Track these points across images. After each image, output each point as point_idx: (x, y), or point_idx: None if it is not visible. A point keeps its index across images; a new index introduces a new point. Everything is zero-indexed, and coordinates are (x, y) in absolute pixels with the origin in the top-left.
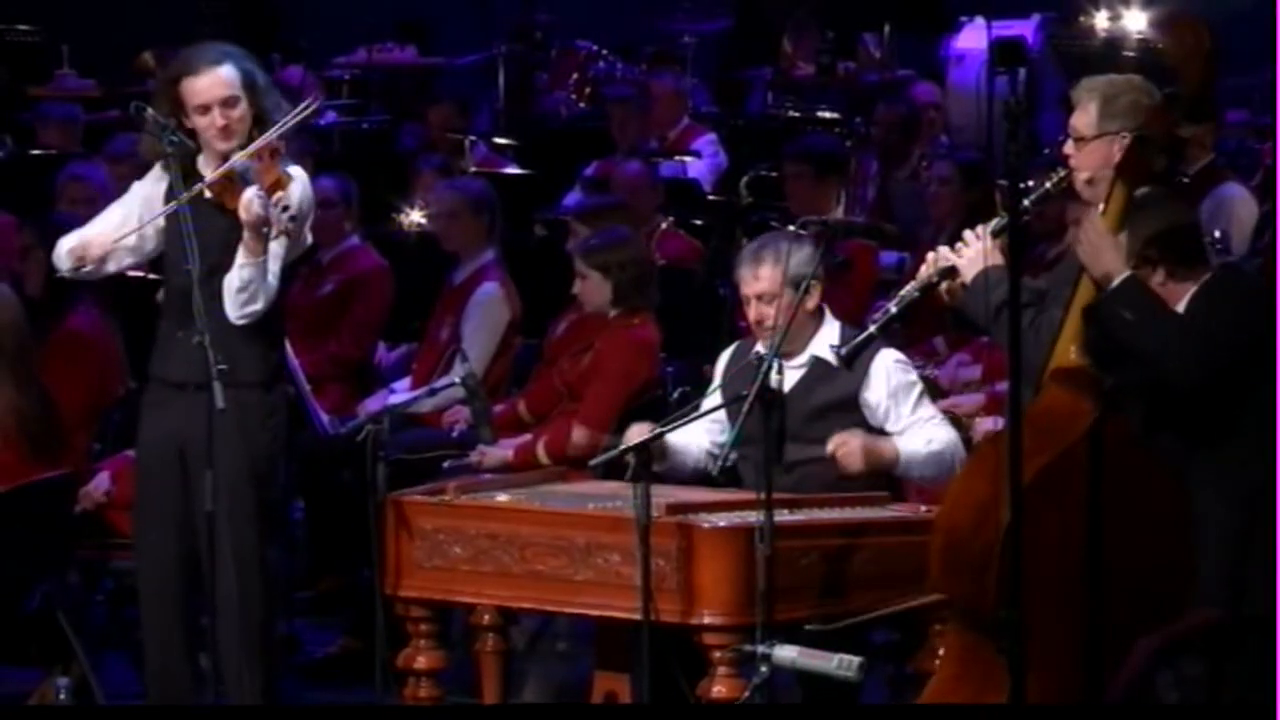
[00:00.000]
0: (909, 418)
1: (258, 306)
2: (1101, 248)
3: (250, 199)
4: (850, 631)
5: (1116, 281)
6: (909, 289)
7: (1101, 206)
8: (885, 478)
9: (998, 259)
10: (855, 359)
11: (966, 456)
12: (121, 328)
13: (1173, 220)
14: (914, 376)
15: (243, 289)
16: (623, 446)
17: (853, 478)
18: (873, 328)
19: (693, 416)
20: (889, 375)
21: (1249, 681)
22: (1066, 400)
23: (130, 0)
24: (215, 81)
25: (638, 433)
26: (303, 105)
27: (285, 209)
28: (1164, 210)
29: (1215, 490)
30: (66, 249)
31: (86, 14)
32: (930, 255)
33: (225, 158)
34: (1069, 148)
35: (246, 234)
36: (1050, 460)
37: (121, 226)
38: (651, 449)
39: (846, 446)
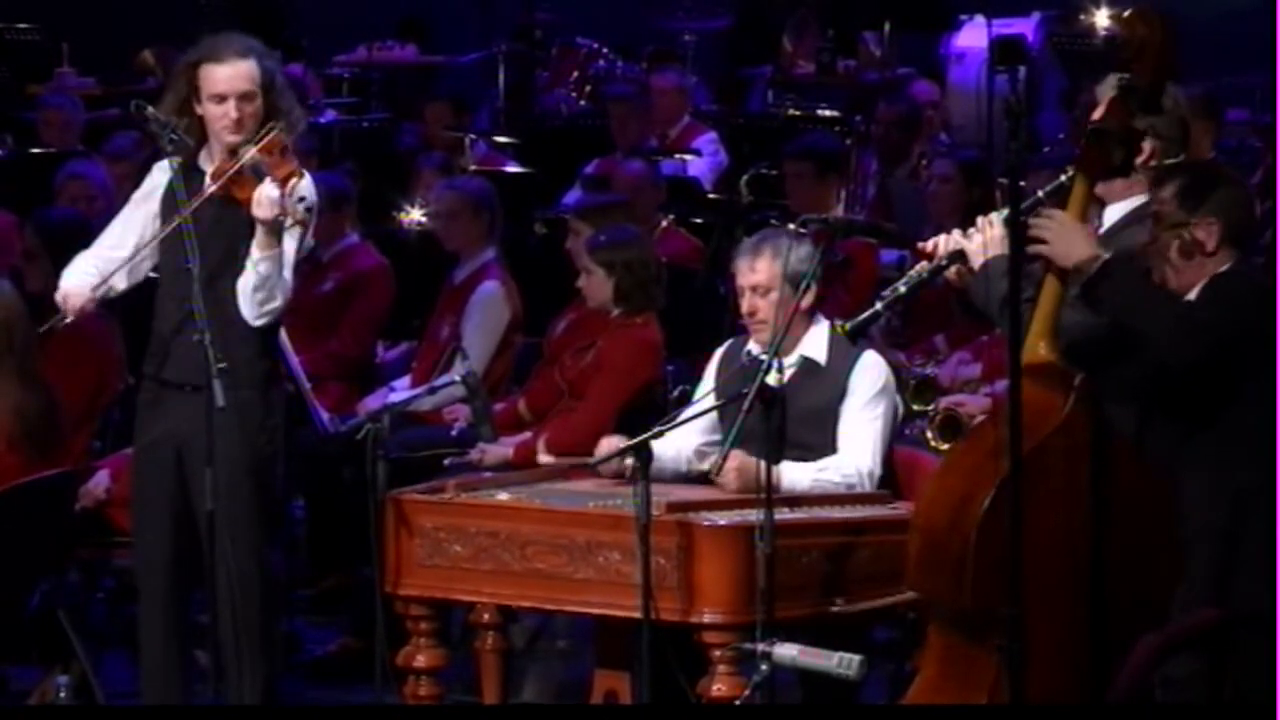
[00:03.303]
0: (844, 422)
1: (276, 304)
2: (1072, 238)
3: (266, 191)
4: (850, 630)
5: (1098, 265)
6: (918, 270)
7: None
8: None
9: (1008, 248)
10: (860, 335)
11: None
12: (122, 324)
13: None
14: (881, 389)
15: (259, 286)
16: (623, 446)
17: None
18: (879, 305)
19: (689, 417)
20: (859, 376)
21: (1248, 681)
22: (1037, 396)
23: None
24: (237, 74)
25: (608, 445)
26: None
27: (301, 199)
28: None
29: (1204, 488)
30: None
31: (87, 12)
32: (941, 237)
33: (231, 150)
34: None
35: (261, 229)
36: (1022, 457)
37: (120, 245)
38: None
39: (724, 476)
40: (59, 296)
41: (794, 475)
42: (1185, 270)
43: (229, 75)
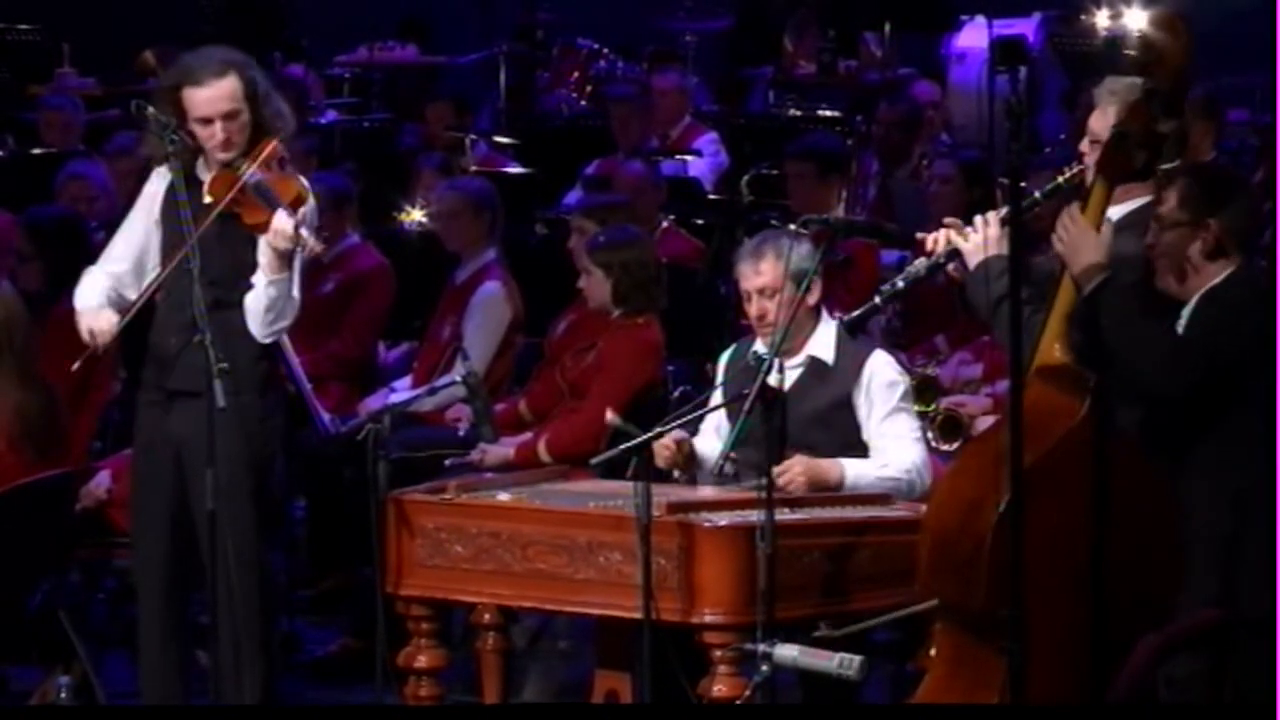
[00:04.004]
0: (879, 425)
1: (285, 323)
2: (1082, 243)
3: (283, 225)
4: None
5: (1094, 283)
6: (916, 265)
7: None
8: None
9: (1004, 248)
10: (858, 329)
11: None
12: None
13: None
14: (901, 387)
15: (270, 308)
16: (623, 446)
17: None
18: (878, 299)
19: (692, 416)
20: (873, 378)
21: (1249, 681)
22: (1050, 398)
23: None
24: (218, 95)
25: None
26: None
27: (318, 229)
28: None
29: (1204, 491)
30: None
31: (87, 13)
32: (940, 233)
33: (226, 164)
34: (1085, 147)
35: (272, 254)
36: (1035, 459)
37: (124, 257)
38: (682, 455)
39: (789, 477)
40: (84, 331)
41: (858, 471)
42: (1203, 270)
43: (209, 98)
